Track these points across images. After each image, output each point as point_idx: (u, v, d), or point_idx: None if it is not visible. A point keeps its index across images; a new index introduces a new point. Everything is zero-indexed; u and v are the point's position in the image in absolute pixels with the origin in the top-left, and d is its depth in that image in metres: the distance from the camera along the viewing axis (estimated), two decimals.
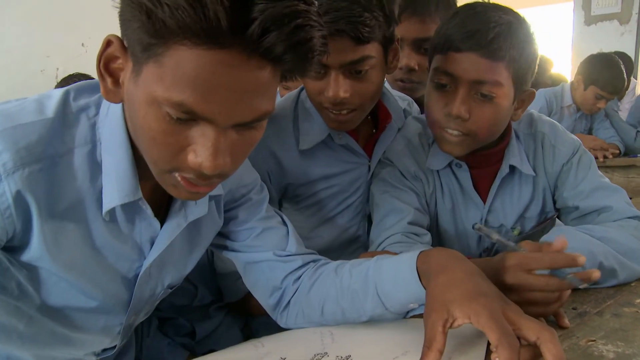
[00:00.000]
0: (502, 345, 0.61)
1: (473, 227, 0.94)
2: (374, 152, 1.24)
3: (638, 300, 0.90)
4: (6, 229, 0.66)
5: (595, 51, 3.14)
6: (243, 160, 0.70)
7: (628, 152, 3.06)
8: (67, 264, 0.73)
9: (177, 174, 0.67)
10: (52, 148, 0.69)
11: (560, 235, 0.82)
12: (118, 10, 0.62)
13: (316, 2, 0.63)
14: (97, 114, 0.74)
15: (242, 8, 0.56)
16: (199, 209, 0.82)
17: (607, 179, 1.16)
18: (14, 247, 0.69)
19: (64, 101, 0.73)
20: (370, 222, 1.22)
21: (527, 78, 1.07)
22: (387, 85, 1.57)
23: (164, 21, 0.56)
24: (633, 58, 3.71)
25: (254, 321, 1.37)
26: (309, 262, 0.95)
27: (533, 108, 3.16)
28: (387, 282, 0.80)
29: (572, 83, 3.10)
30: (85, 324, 0.80)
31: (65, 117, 0.71)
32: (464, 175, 1.16)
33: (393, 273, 0.80)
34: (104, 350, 0.89)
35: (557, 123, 1.22)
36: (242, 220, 0.95)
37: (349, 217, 1.27)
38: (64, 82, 2.01)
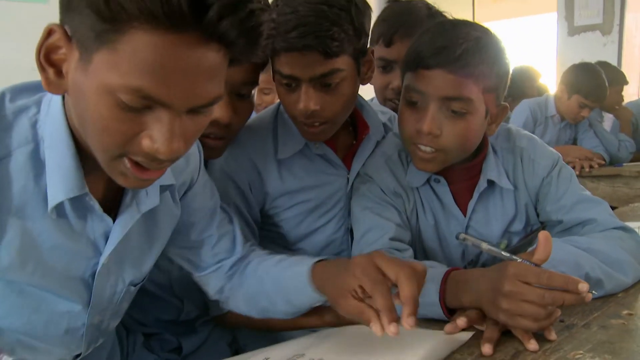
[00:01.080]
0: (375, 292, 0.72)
1: (457, 237, 0.94)
2: (352, 164, 1.24)
3: (625, 312, 0.90)
4: None
5: (578, 61, 3.18)
6: (192, 144, 0.72)
7: (612, 162, 3.09)
8: (15, 267, 0.73)
9: (126, 160, 0.68)
10: None
11: (544, 232, 0.82)
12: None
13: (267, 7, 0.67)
14: (38, 112, 0.74)
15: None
16: (150, 200, 0.83)
17: (588, 192, 1.16)
18: None
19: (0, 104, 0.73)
20: (352, 237, 1.21)
21: (500, 92, 1.07)
22: (373, 99, 1.58)
23: (122, 5, 0.57)
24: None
25: (241, 335, 1.35)
26: (241, 257, 1.04)
27: (518, 119, 3.22)
28: (291, 292, 0.91)
29: (556, 93, 3.14)
30: (48, 328, 0.81)
31: (1, 120, 0.71)
32: (443, 190, 1.15)
33: (293, 285, 0.90)
34: (76, 356, 0.89)
35: (536, 137, 1.23)
36: (201, 229, 0.99)
37: (330, 232, 1.26)
38: None
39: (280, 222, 1.25)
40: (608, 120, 3.31)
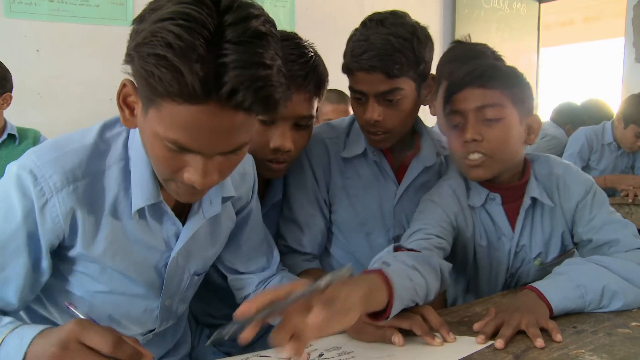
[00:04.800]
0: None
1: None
2: (402, 181, 1.43)
3: (634, 324, 1.01)
4: (57, 234, 0.89)
5: None
6: (230, 173, 0.89)
7: None
8: (109, 255, 0.94)
9: (176, 184, 0.86)
10: (91, 168, 0.91)
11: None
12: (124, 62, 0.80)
13: (279, 61, 0.78)
14: (127, 137, 0.95)
15: (215, 76, 0.72)
16: (213, 208, 1.03)
17: (618, 215, 1.28)
18: (65, 247, 0.92)
19: (101, 132, 0.95)
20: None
21: (526, 102, 1.24)
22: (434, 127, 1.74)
23: (154, 87, 0.73)
24: None
25: None
26: (272, 275, 1.22)
27: (573, 145, 3.27)
28: None
29: (613, 121, 3.17)
30: (130, 306, 1.02)
31: (101, 143, 0.93)
32: (497, 208, 1.30)
33: None
34: (150, 331, 1.10)
35: (572, 164, 1.36)
36: (246, 240, 1.18)
37: (375, 237, 1.44)
38: None
39: (334, 213, 1.45)
40: None
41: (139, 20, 0.78)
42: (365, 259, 1.42)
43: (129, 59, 0.77)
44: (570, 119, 3.77)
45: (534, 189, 1.28)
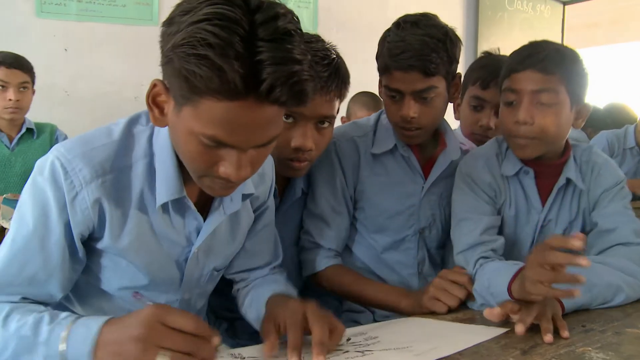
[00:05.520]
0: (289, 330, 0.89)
1: None
2: (429, 176, 1.48)
3: None
4: (87, 225, 0.94)
5: None
6: (259, 166, 0.92)
7: None
8: (133, 249, 0.98)
9: (210, 179, 0.89)
10: (118, 163, 0.95)
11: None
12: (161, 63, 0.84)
13: (309, 56, 0.82)
14: (152, 133, 0.99)
15: (253, 73, 0.75)
16: (234, 205, 1.06)
17: (632, 213, 1.31)
18: (94, 239, 0.97)
19: (127, 128, 0.99)
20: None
21: (580, 91, 1.27)
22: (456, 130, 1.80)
23: (195, 84, 0.76)
24: None
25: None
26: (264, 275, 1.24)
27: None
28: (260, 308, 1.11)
29: (636, 125, 3.14)
30: (151, 299, 1.05)
31: (128, 138, 0.97)
32: (529, 182, 1.34)
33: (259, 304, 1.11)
34: None
35: (612, 160, 1.40)
36: (252, 240, 1.21)
37: (401, 229, 1.49)
38: None
39: (359, 210, 1.51)
40: None
41: (169, 22, 0.81)
42: (389, 257, 1.50)
43: (167, 60, 0.80)
44: (592, 122, 3.74)
45: (571, 170, 1.32)
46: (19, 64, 2.53)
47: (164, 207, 0.98)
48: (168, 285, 1.07)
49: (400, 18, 1.38)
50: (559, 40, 5.52)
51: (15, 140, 2.62)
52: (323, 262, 1.43)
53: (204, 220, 1.03)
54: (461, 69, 1.46)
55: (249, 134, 0.82)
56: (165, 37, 0.81)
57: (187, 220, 1.02)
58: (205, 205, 1.04)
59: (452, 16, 4.60)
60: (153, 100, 0.88)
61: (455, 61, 1.38)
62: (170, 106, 0.85)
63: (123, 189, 0.95)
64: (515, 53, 1.29)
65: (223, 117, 0.79)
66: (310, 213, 1.49)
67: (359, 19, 4.09)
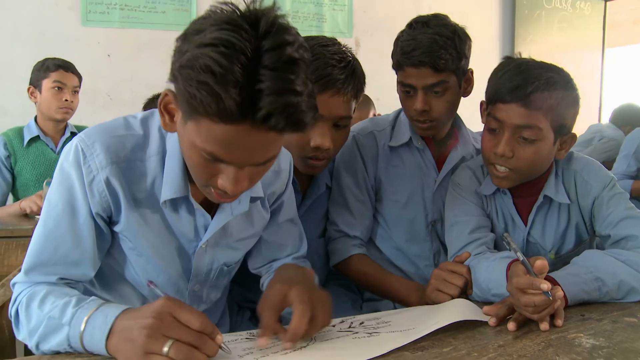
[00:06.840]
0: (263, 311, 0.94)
1: (502, 236, 1.14)
2: (442, 169, 1.57)
3: None
4: (104, 207, 1.00)
5: None
6: (259, 179, 0.96)
7: None
8: (145, 235, 1.05)
9: (211, 188, 0.94)
10: (133, 153, 1.02)
11: (540, 259, 1.00)
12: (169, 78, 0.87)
13: (310, 85, 0.85)
14: (166, 132, 1.03)
15: (251, 101, 0.78)
16: (241, 206, 1.10)
17: (637, 211, 1.29)
18: (113, 222, 1.03)
19: (145, 121, 1.05)
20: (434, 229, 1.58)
21: (567, 122, 1.26)
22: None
23: (195, 107, 0.80)
24: None
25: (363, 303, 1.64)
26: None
27: (629, 146, 3.22)
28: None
29: None
30: (162, 289, 1.10)
31: (144, 132, 1.03)
32: (507, 201, 1.37)
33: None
34: None
35: (594, 160, 1.38)
36: (272, 232, 1.26)
37: (415, 220, 1.58)
38: (150, 102, 2.42)
39: (378, 201, 1.60)
40: None
41: (183, 38, 0.85)
42: (407, 249, 1.60)
43: (173, 78, 0.84)
44: (630, 120, 3.69)
45: (550, 187, 1.33)
46: (74, 68, 2.71)
47: (173, 203, 1.04)
48: (178, 276, 1.13)
49: (413, 19, 1.47)
50: (599, 39, 5.42)
51: (60, 144, 2.77)
52: (350, 249, 1.52)
53: (212, 217, 1.08)
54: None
55: (245, 154, 0.86)
56: (176, 53, 0.85)
57: (196, 217, 1.08)
58: (213, 203, 1.08)
59: (489, 15, 4.58)
60: (165, 107, 0.93)
61: (464, 57, 1.45)
62: (178, 116, 0.91)
63: (137, 177, 1.01)
64: (507, 77, 1.25)
65: (221, 138, 0.83)
66: (336, 203, 1.58)
67: (394, 21, 4.10)
